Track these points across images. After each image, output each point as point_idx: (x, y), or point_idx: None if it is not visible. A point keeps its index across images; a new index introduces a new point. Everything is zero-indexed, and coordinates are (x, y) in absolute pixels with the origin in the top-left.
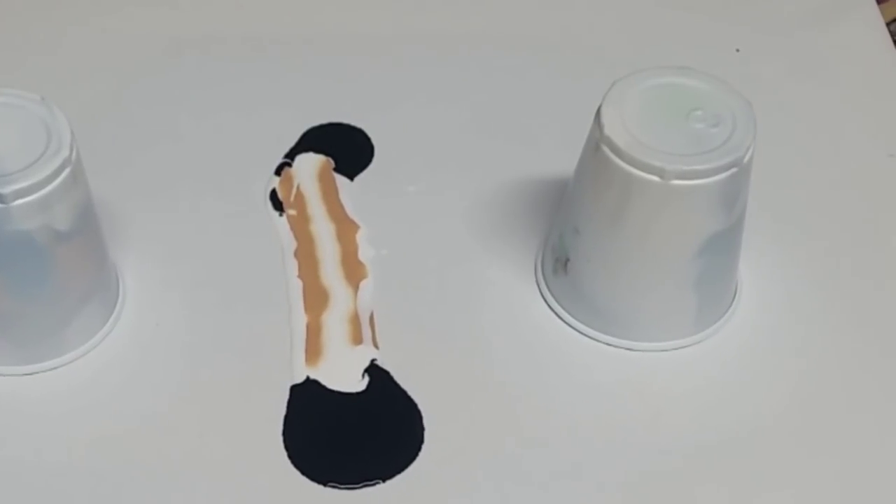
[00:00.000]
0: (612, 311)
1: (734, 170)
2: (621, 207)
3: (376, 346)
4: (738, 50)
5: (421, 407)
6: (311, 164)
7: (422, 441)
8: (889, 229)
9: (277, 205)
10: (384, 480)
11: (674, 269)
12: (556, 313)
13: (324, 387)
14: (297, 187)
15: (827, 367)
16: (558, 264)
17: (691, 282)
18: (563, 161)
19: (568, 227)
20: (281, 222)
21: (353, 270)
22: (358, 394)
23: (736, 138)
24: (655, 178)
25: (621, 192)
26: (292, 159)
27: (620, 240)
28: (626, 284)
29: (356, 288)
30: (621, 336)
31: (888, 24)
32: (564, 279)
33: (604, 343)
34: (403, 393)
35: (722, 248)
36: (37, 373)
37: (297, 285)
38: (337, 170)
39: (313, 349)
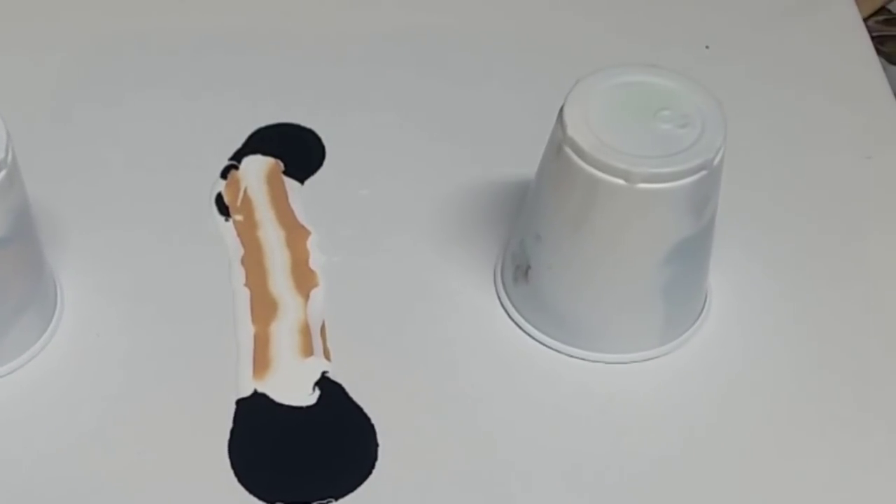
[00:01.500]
0: (575, 321)
1: (704, 172)
2: (585, 212)
3: (328, 357)
4: (707, 47)
5: (374, 422)
6: (258, 167)
7: (375, 458)
8: (867, 236)
9: (223, 209)
10: (336, 499)
11: (640, 276)
12: (516, 323)
13: (272, 400)
14: (245, 191)
15: (800, 379)
16: (519, 272)
17: (658, 290)
18: (524, 163)
19: (529, 232)
20: (227, 228)
21: (304, 278)
22: (308, 408)
23: (705, 139)
24: (621, 182)
25: (585, 196)
26: (239, 161)
27: (584, 246)
28: (590, 293)
29: (306, 297)
30: (585, 347)
31: (865, 21)
32: (525, 288)
33: (566, 354)
34: (356, 407)
35: (691, 254)
36: None
37: (244, 294)
38: (286, 172)
39: (261, 361)
